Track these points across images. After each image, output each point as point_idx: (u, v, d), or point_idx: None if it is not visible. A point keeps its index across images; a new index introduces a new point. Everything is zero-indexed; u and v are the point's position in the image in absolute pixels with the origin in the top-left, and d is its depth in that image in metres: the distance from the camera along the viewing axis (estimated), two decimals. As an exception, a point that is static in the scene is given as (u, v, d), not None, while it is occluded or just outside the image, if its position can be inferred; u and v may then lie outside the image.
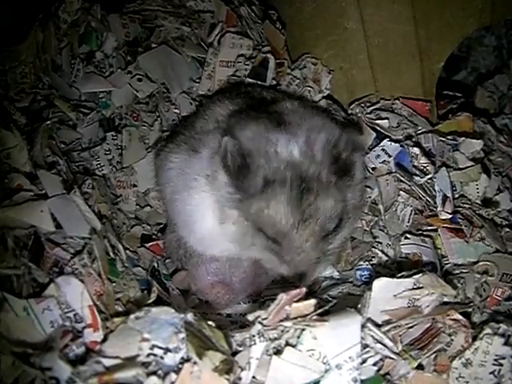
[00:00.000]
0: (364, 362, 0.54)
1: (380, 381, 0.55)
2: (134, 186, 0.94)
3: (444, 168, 0.83)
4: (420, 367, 0.56)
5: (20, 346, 0.55)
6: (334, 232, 0.71)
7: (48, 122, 0.87)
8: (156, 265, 0.84)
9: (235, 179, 0.68)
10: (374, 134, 0.91)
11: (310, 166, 0.67)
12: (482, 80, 1.12)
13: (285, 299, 0.55)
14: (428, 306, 0.60)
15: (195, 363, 0.50)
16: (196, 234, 0.76)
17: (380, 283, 0.58)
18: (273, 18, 1.07)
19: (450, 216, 0.79)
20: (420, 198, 0.83)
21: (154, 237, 0.91)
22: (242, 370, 0.52)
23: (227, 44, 1.00)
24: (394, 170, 0.86)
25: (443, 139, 0.89)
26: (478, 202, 0.84)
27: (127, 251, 0.81)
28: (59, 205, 0.73)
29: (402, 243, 0.79)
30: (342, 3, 0.94)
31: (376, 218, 0.85)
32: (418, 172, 0.85)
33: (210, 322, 0.55)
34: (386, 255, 0.80)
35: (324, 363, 0.53)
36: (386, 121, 0.92)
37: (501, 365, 0.55)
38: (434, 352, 0.57)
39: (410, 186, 0.84)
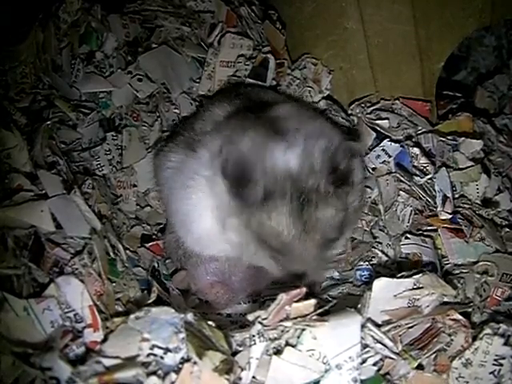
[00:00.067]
0: (364, 361, 0.55)
1: (380, 381, 0.55)
2: (134, 186, 0.94)
3: (444, 168, 0.83)
4: (420, 367, 0.56)
5: (20, 346, 0.55)
6: (336, 239, 0.71)
7: (48, 122, 0.87)
8: (156, 265, 0.84)
9: (236, 190, 0.68)
10: (374, 134, 0.91)
11: (309, 176, 0.66)
12: (481, 80, 1.12)
13: (285, 299, 0.55)
14: (428, 306, 0.60)
15: (195, 363, 0.50)
16: (193, 233, 0.76)
17: (380, 283, 0.58)
18: (273, 18, 1.07)
19: (450, 216, 0.79)
20: (420, 198, 0.83)
21: (154, 237, 0.91)
22: (242, 369, 0.52)
23: (227, 44, 1.00)
24: (394, 170, 0.87)
25: (443, 139, 0.89)
26: (478, 202, 0.84)
27: (127, 251, 0.81)
28: (59, 205, 0.73)
29: (402, 243, 0.79)
30: (342, 3, 0.94)
31: (376, 218, 0.85)
32: (418, 172, 0.85)
33: (210, 322, 0.55)
34: (386, 255, 0.80)
35: (324, 363, 0.53)
36: (386, 121, 0.92)
37: (501, 365, 0.55)
38: (434, 352, 0.57)
39: (410, 186, 0.84)
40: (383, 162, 0.88)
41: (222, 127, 0.76)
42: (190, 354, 0.51)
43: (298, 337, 0.54)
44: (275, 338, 0.54)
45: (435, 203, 0.80)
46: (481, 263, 0.75)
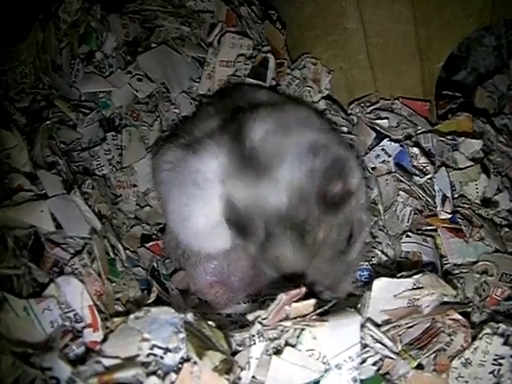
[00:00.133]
0: (364, 361, 0.55)
1: (380, 380, 0.55)
2: (134, 185, 0.94)
3: (443, 168, 0.83)
4: (420, 367, 0.56)
5: (20, 346, 0.55)
6: (349, 246, 0.71)
7: (48, 122, 0.87)
8: (156, 265, 0.84)
9: (241, 237, 0.72)
10: (374, 134, 0.91)
11: (299, 209, 0.67)
12: (481, 80, 1.12)
13: (284, 299, 0.55)
14: (428, 306, 0.60)
15: (195, 363, 0.50)
16: (191, 229, 0.77)
17: (380, 283, 0.58)
18: (273, 17, 1.07)
19: (450, 216, 0.79)
20: (419, 198, 0.83)
21: (153, 237, 0.91)
22: (242, 369, 0.52)
23: (227, 44, 1.00)
24: (393, 170, 0.87)
25: (443, 139, 0.89)
26: (478, 201, 0.84)
27: (127, 251, 0.81)
28: (59, 205, 0.73)
29: (402, 241, 0.79)
30: (342, 3, 0.94)
31: (376, 218, 0.85)
32: (417, 172, 0.85)
33: (209, 322, 0.55)
34: (386, 255, 0.81)
35: (324, 363, 0.53)
36: (386, 121, 0.92)
37: (500, 364, 0.55)
38: (434, 352, 0.57)
39: (409, 185, 0.84)
40: (383, 161, 0.88)
41: (219, 135, 0.76)
42: (190, 353, 0.51)
43: (298, 337, 0.54)
44: (275, 338, 0.54)
45: (435, 203, 0.80)
46: (480, 263, 0.75)
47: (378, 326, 0.57)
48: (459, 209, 0.81)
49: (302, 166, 0.68)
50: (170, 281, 0.83)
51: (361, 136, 0.93)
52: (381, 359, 0.56)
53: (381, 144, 0.88)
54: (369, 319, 0.57)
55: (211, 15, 1.09)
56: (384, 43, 0.95)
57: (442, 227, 0.79)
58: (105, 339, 0.54)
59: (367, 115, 0.94)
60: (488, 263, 0.74)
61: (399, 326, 0.58)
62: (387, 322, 0.58)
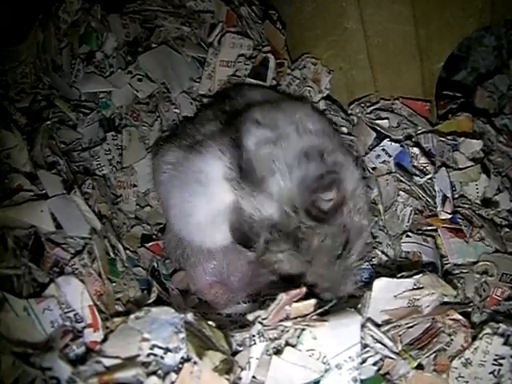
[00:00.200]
0: (364, 361, 0.55)
1: (380, 380, 0.55)
2: (134, 186, 0.94)
3: (444, 168, 0.83)
4: (420, 367, 0.56)
5: (20, 346, 0.55)
6: (346, 249, 0.71)
7: (48, 122, 0.87)
8: (156, 265, 0.84)
9: (243, 243, 0.74)
10: (374, 134, 0.91)
11: (291, 220, 0.68)
12: (481, 80, 1.12)
13: (285, 299, 0.55)
14: (428, 306, 0.60)
15: (195, 363, 0.50)
16: (194, 224, 0.77)
17: (380, 283, 0.58)
18: (273, 17, 1.07)
19: (450, 216, 0.79)
20: (420, 198, 0.83)
21: (154, 237, 0.91)
22: (242, 369, 0.52)
23: (227, 44, 1.00)
24: (393, 170, 0.87)
25: (443, 139, 0.89)
26: (478, 202, 0.84)
27: (127, 251, 0.81)
28: (59, 205, 0.73)
29: (402, 241, 0.79)
30: (342, 3, 0.94)
31: (376, 218, 0.85)
32: (417, 172, 0.85)
33: (210, 322, 0.55)
34: (386, 255, 0.80)
35: (324, 363, 0.53)
36: (386, 121, 0.92)
37: (500, 365, 0.55)
38: (434, 352, 0.57)
39: (409, 186, 0.84)
40: (383, 161, 0.88)
41: (219, 134, 0.77)
42: (190, 353, 0.51)
43: (298, 337, 0.54)
44: (275, 338, 0.54)
45: (435, 203, 0.80)
46: (481, 263, 0.75)
47: (378, 326, 0.57)
48: (459, 209, 0.81)
49: (293, 175, 0.69)
50: (170, 281, 0.83)
51: (361, 136, 0.92)
52: (381, 359, 0.56)
53: (381, 144, 0.88)
54: (369, 319, 0.57)
55: (211, 15, 1.09)
56: (384, 43, 0.95)
57: (443, 227, 0.79)
58: (105, 339, 0.54)
59: (367, 115, 0.94)
60: (488, 263, 0.74)
61: (399, 326, 0.58)
62: (387, 322, 0.58)
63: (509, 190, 0.86)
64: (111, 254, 0.75)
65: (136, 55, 0.99)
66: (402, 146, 0.87)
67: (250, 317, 0.56)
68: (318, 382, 0.53)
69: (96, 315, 0.59)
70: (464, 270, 0.75)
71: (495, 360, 0.55)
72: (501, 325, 0.56)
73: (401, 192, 0.84)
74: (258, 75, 1.00)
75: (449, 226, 0.79)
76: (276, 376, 0.52)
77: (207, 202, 0.74)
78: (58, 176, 0.78)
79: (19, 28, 0.98)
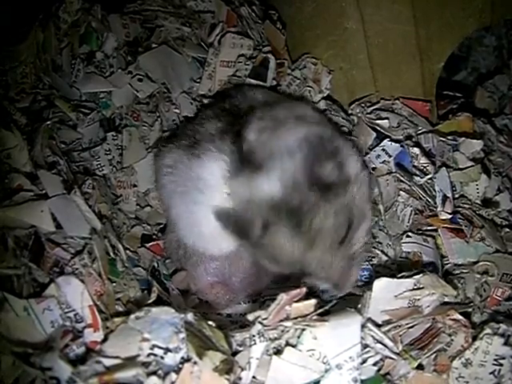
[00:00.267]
0: (364, 361, 0.55)
1: (380, 381, 0.55)
2: (135, 186, 0.94)
3: (444, 168, 0.83)
4: (420, 367, 0.56)
5: (20, 346, 0.55)
6: (350, 233, 0.70)
7: (48, 122, 0.87)
8: (156, 265, 0.84)
9: (237, 235, 0.71)
10: (374, 134, 0.91)
11: (294, 195, 0.67)
12: (482, 80, 1.12)
13: (285, 299, 0.55)
14: (428, 306, 0.60)
15: (195, 363, 0.50)
16: (201, 234, 0.77)
17: (380, 283, 0.58)
18: (273, 18, 1.07)
19: (450, 216, 0.79)
20: (420, 198, 0.83)
21: (154, 237, 0.91)
22: (242, 369, 0.52)
23: (228, 44, 1.00)
24: (394, 170, 0.87)
25: (443, 139, 0.89)
26: (478, 202, 0.84)
27: (127, 251, 0.81)
28: (59, 205, 0.73)
29: (403, 241, 0.79)
30: (342, 3, 0.94)
31: (376, 218, 0.85)
32: (418, 172, 0.85)
33: (210, 322, 0.55)
34: (386, 255, 0.81)
35: (324, 363, 0.53)
36: (386, 121, 0.92)
37: (501, 365, 0.55)
38: (434, 352, 0.57)
39: (410, 185, 0.84)
40: (383, 161, 0.88)
41: (220, 140, 0.77)
42: (190, 353, 0.51)
43: (299, 337, 0.54)
44: (275, 338, 0.54)
45: (435, 203, 0.80)
46: (481, 263, 0.75)
47: (378, 326, 0.57)
48: (460, 209, 0.81)
49: (295, 155, 0.68)
50: (171, 281, 0.83)
51: (361, 136, 0.92)
52: (381, 359, 0.56)
53: (381, 144, 0.88)
54: (369, 319, 0.57)
55: (212, 15, 1.09)
56: (384, 43, 0.95)
57: (443, 227, 0.79)
58: (105, 339, 0.54)
59: (367, 115, 0.94)
60: (488, 263, 0.74)
61: (400, 326, 0.58)
62: (388, 322, 0.58)
63: (509, 190, 0.86)
64: (111, 254, 0.75)
65: (136, 55, 0.99)
66: (402, 146, 0.87)
67: (251, 317, 0.56)
68: (319, 382, 0.53)
69: (96, 315, 0.59)
70: (464, 270, 0.75)
71: (495, 360, 0.55)
72: (501, 325, 0.56)
73: (401, 192, 0.84)
74: (258, 75, 1.00)
75: (449, 226, 0.79)
76: (276, 376, 0.52)
77: (209, 211, 0.73)
78: (58, 176, 0.78)
79: (19, 28, 0.98)
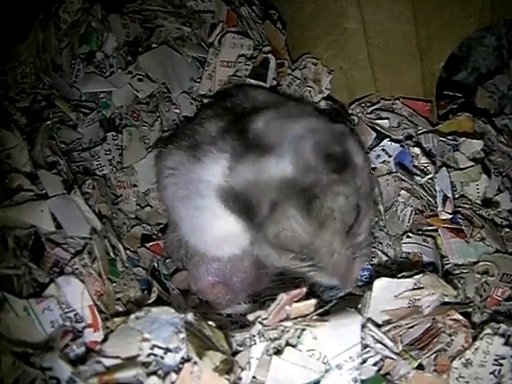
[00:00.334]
0: (364, 362, 0.55)
1: (380, 381, 0.55)
2: (135, 186, 0.94)
3: (444, 168, 0.83)
4: (420, 367, 0.56)
5: (20, 346, 0.55)
6: (357, 222, 0.69)
7: (48, 122, 0.87)
8: (156, 265, 0.84)
9: (242, 216, 0.69)
10: (374, 134, 0.91)
11: (307, 174, 0.66)
12: (482, 80, 1.12)
13: (285, 299, 0.55)
14: (428, 306, 0.60)
15: (195, 363, 0.50)
16: (207, 239, 0.77)
17: (380, 283, 0.58)
18: (273, 17, 1.07)
19: (451, 216, 0.79)
20: (421, 198, 0.83)
21: (154, 237, 0.91)
22: (243, 369, 0.52)
23: (228, 44, 1.00)
24: (394, 170, 0.87)
25: (443, 139, 0.89)
26: (479, 202, 0.84)
27: (127, 251, 0.81)
28: (59, 205, 0.73)
29: (403, 241, 0.79)
30: (342, 3, 0.94)
31: (376, 218, 0.85)
32: (418, 172, 0.85)
33: (210, 322, 0.55)
34: (386, 255, 0.80)
35: (324, 363, 0.53)
36: (387, 121, 0.92)
37: (501, 365, 0.55)
38: (435, 352, 0.57)
39: (411, 184, 0.84)
40: (383, 161, 0.88)
41: (218, 139, 0.77)
42: (191, 353, 0.51)
43: (299, 337, 0.54)
44: (275, 338, 0.54)
45: (435, 203, 0.80)
46: (481, 263, 0.75)
47: (378, 326, 0.57)
48: (460, 209, 0.81)
49: (306, 139, 0.68)
50: (171, 281, 0.83)
51: (361, 136, 0.92)
52: (381, 359, 0.56)
53: (381, 144, 0.88)
54: (369, 319, 0.57)
55: (212, 15, 1.09)
56: (384, 43, 0.95)
57: (443, 227, 0.79)
58: (105, 339, 0.54)
59: (368, 115, 0.94)
60: (489, 263, 0.74)
61: (400, 326, 0.58)
62: (388, 323, 0.58)
63: (509, 190, 0.86)
64: (111, 254, 0.75)
65: (136, 55, 0.99)
66: (402, 146, 0.87)
67: (251, 317, 0.56)
68: (319, 382, 0.53)
69: (96, 315, 0.59)
70: (464, 270, 0.75)
71: (496, 360, 0.55)
72: (501, 325, 0.56)
73: (401, 192, 0.84)
74: (258, 75, 1.00)
75: (449, 226, 0.79)
76: (276, 376, 0.52)
77: (211, 216, 0.74)
78: (58, 176, 0.78)
79: (19, 28, 0.98)
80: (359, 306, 0.59)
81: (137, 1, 1.07)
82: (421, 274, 0.60)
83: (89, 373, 0.50)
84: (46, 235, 0.70)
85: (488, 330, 0.56)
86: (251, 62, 1.00)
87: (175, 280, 0.84)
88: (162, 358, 0.52)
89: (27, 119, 0.88)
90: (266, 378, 0.52)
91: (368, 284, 0.72)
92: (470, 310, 0.66)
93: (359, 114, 0.95)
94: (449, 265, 0.77)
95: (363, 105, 0.97)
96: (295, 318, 0.55)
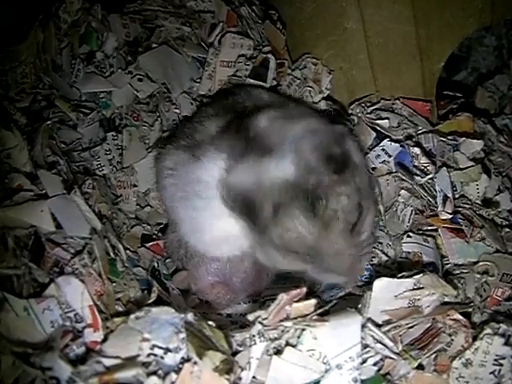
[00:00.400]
0: (364, 362, 0.55)
1: (380, 381, 0.55)
2: (135, 185, 0.94)
3: (444, 168, 0.83)
4: (420, 367, 0.56)
5: (20, 346, 0.55)
6: (360, 221, 0.69)
7: (48, 122, 0.87)
8: (156, 265, 0.84)
9: (244, 218, 0.70)
10: (374, 134, 0.91)
11: (309, 175, 0.66)
12: (482, 80, 1.12)
13: (285, 299, 0.55)
14: (428, 306, 0.60)
15: (195, 363, 0.50)
16: (207, 239, 0.77)
17: (380, 283, 0.58)
18: (273, 18, 1.07)
19: (451, 216, 0.79)
20: (421, 198, 0.83)
21: (154, 237, 0.91)
22: (242, 369, 0.52)
23: (228, 44, 1.00)
24: (394, 170, 0.87)
25: (443, 139, 0.89)
26: (479, 202, 0.84)
27: (127, 251, 0.81)
28: (59, 205, 0.73)
29: (403, 241, 0.79)
30: (342, 3, 0.94)
31: (376, 218, 0.85)
32: (418, 172, 0.85)
33: (210, 322, 0.55)
34: (387, 255, 0.80)
35: (324, 363, 0.53)
36: (387, 121, 0.92)
37: (501, 365, 0.55)
38: (435, 352, 0.57)
39: (411, 184, 0.84)
40: (383, 161, 0.88)
41: (218, 140, 0.76)
42: (191, 353, 0.51)
43: (299, 337, 0.54)
44: (275, 338, 0.54)
45: (436, 203, 0.80)
46: (481, 263, 0.75)
47: (378, 326, 0.57)
48: (460, 209, 0.81)
49: (307, 142, 0.69)
50: (171, 281, 0.83)
51: (361, 136, 0.92)
52: (381, 359, 0.56)
53: (381, 144, 0.88)
54: (369, 319, 0.57)
55: (212, 15, 1.09)
56: (384, 43, 0.95)
57: (443, 227, 0.79)
58: (105, 339, 0.54)
59: (368, 115, 0.94)
60: (489, 263, 0.74)
61: (400, 326, 0.58)
62: (388, 322, 0.58)
63: (509, 190, 0.86)
64: (111, 253, 0.75)
65: (136, 55, 0.99)
66: (402, 146, 0.87)
67: (251, 317, 0.56)
68: (319, 382, 0.53)
69: (96, 315, 0.59)
70: (464, 270, 0.75)
71: (496, 360, 0.55)
72: (501, 325, 0.56)
73: (401, 192, 0.84)
74: (258, 75, 1.00)
75: (449, 226, 0.79)
76: (276, 376, 0.52)
77: (211, 217, 0.74)
78: (58, 176, 0.78)
79: (19, 28, 0.98)
80: (359, 305, 0.59)
81: (137, 1, 1.07)
82: (421, 274, 0.60)
83: (89, 373, 0.50)
84: (46, 235, 0.70)
85: (488, 330, 0.56)
86: (251, 62, 1.00)
87: (175, 280, 0.84)
88: (161, 358, 0.52)
89: (27, 119, 0.88)
90: (265, 378, 0.52)
91: (368, 284, 0.72)
92: (470, 309, 0.66)
93: (359, 114, 0.95)
94: (449, 265, 0.77)
95: (363, 105, 0.97)
96: (295, 318, 0.55)
